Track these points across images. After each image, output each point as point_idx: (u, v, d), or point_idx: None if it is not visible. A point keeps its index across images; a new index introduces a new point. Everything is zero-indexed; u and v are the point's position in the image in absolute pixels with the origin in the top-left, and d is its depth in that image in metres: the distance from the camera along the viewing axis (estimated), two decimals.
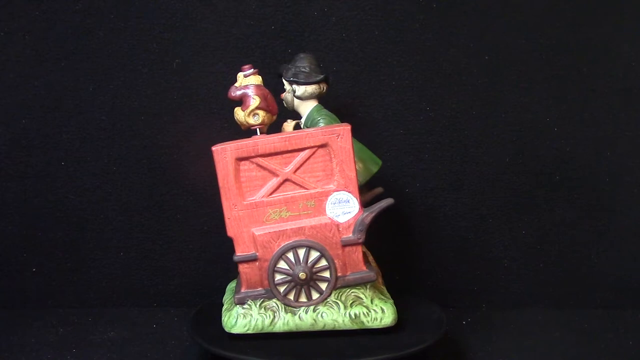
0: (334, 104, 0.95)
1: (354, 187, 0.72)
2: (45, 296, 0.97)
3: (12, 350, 0.81)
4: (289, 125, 0.83)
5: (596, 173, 0.97)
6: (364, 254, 0.77)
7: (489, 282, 0.98)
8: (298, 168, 0.73)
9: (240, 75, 0.77)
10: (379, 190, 0.80)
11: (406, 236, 0.97)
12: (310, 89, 0.81)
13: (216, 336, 0.73)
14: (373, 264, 0.79)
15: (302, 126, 0.83)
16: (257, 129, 0.76)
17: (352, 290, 0.72)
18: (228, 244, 0.95)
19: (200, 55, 0.95)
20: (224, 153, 0.73)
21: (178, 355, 0.79)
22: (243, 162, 0.73)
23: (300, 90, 0.81)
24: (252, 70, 0.77)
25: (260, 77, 0.78)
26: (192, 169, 0.96)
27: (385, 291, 0.77)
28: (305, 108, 0.82)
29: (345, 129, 0.71)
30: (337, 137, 0.71)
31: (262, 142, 0.72)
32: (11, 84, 0.94)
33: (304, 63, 0.82)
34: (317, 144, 0.72)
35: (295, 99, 0.82)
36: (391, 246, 0.95)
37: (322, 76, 0.81)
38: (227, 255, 0.94)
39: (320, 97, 0.83)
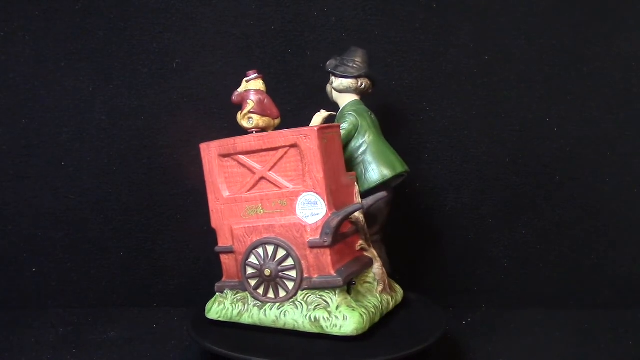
0: (334, 104, 0.95)
1: (322, 188, 0.70)
2: (45, 296, 0.97)
3: (12, 350, 0.81)
4: (319, 115, 0.82)
5: (596, 173, 0.97)
6: (359, 259, 0.75)
7: (489, 282, 0.98)
8: (272, 167, 0.73)
9: (244, 81, 0.78)
10: (381, 194, 0.78)
11: (406, 236, 0.97)
12: (347, 82, 0.81)
13: (216, 336, 0.73)
14: (379, 270, 0.77)
15: (336, 119, 0.83)
16: (254, 132, 0.77)
17: (321, 294, 0.71)
18: None
19: (200, 55, 0.95)
20: (208, 149, 0.76)
21: (178, 355, 0.79)
22: (226, 159, 0.76)
23: (337, 82, 0.82)
24: (254, 75, 0.78)
25: (261, 82, 0.78)
26: (192, 169, 0.96)
27: (377, 300, 0.74)
28: (343, 101, 0.82)
29: (312, 129, 0.71)
30: (304, 137, 0.71)
31: (240, 140, 0.74)
32: (11, 84, 0.94)
33: (351, 56, 0.82)
34: (288, 144, 0.72)
35: (333, 90, 0.83)
36: (391, 246, 0.95)
37: (359, 72, 0.81)
38: None
39: (361, 93, 0.82)
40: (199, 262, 0.97)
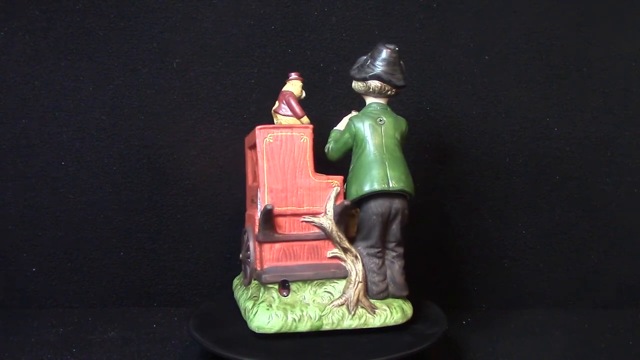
0: (333, 104, 0.95)
1: (260, 186, 0.73)
2: (45, 296, 0.97)
3: (12, 350, 0.81)
4: (347, 117, 0.79)
5: (596, 173, 0.97)
6: (323, 266, 0.73)
7: (489, 282, 0.98)
8: (257, 162, 0.77)
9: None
10: (345, 202, 0.72)
11: (406, 236, 0.97)
12: (356, 85, 0.76)
13: (216, 336, 0.73)
14: (349, 284, 0.72)
15: None
16: None
17: (260, 286, 0.74)
18: (228, 244, 0.96)
19: (200, 55, 0.95)
20: (246, 140, 0.86)
21: (178, 355, 0.79)
22: (250, 151, 0.84)
23: (353, 83, 0.77)
24: (292, 76, 0.81)
25: (294, 83, 0.80)
26: (192, 169, 0.96)
27: (318, 311, 0.70)
28: (366, 102, 0.77)
29: (255, 129, 0.73)
30: (255, 136, 0.74)
31: (250, 135, 0.80)
32: (11, 84, 0.94)
33: (373, 56, 0.75)
34: (254, 142, 0.75)
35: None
36: None
37: (367, 74, 0.74)
38: (227, 255, 0.94)
39: (382, 96, 0.75)
40: (199, 262, 0.97)
